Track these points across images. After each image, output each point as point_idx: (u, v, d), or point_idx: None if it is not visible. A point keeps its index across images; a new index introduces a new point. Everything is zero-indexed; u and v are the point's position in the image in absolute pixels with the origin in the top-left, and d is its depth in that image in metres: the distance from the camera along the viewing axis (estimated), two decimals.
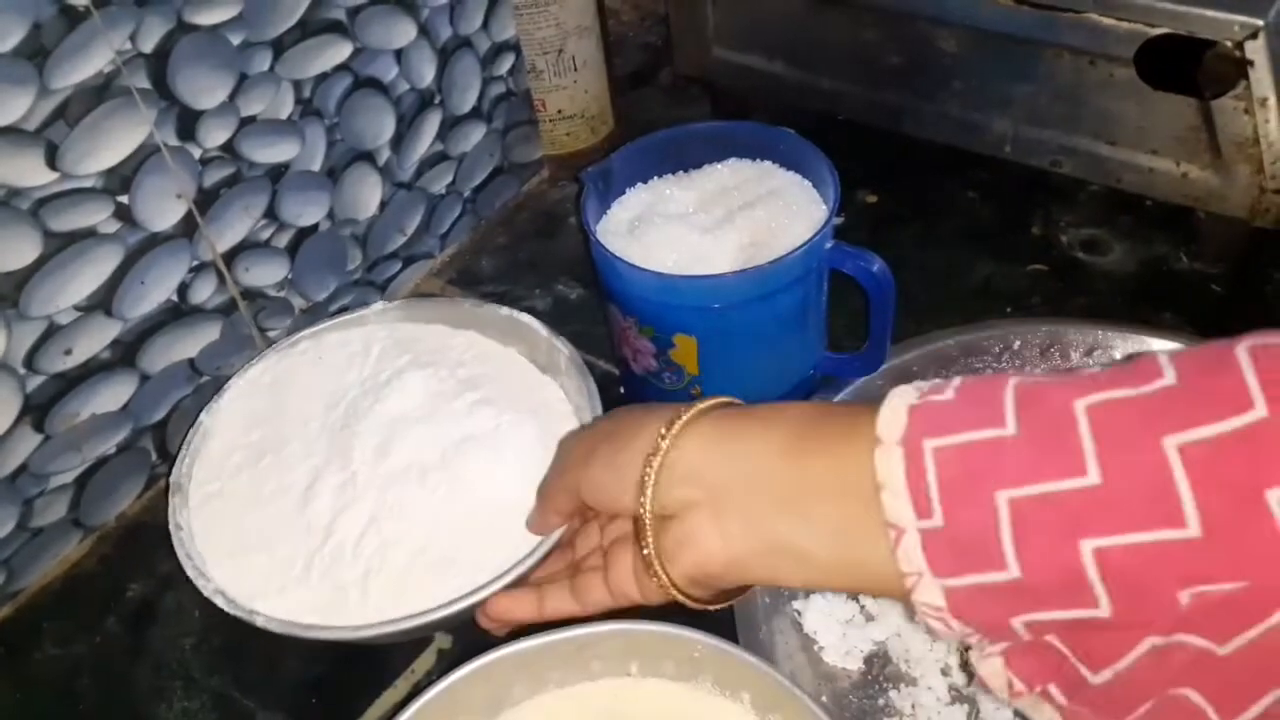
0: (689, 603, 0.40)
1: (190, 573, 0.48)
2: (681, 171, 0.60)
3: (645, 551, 0.39)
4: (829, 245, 0.53)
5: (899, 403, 0.34)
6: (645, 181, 0.59)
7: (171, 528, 0.50)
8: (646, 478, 0.39)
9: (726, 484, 0.37)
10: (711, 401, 0.40)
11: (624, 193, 0.59)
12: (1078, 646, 0.32)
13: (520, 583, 0.47)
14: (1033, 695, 0.34)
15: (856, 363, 0.58)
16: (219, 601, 0.47)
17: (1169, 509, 0.29)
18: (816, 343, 0.58)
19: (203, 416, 0.55)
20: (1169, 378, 0.30)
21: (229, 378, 0.57)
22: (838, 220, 0.54)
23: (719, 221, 0.56)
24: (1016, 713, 0.47)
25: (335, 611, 0.48)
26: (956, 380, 0.34)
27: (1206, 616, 0.29)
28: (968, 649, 0.40)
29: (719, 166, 0.60)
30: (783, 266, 0.51)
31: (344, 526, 0.50)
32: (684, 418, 0.39)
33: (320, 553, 0.50)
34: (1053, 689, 0.33)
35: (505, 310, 0.58)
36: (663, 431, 0.39)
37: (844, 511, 0.34)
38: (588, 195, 0.56)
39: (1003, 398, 0.32)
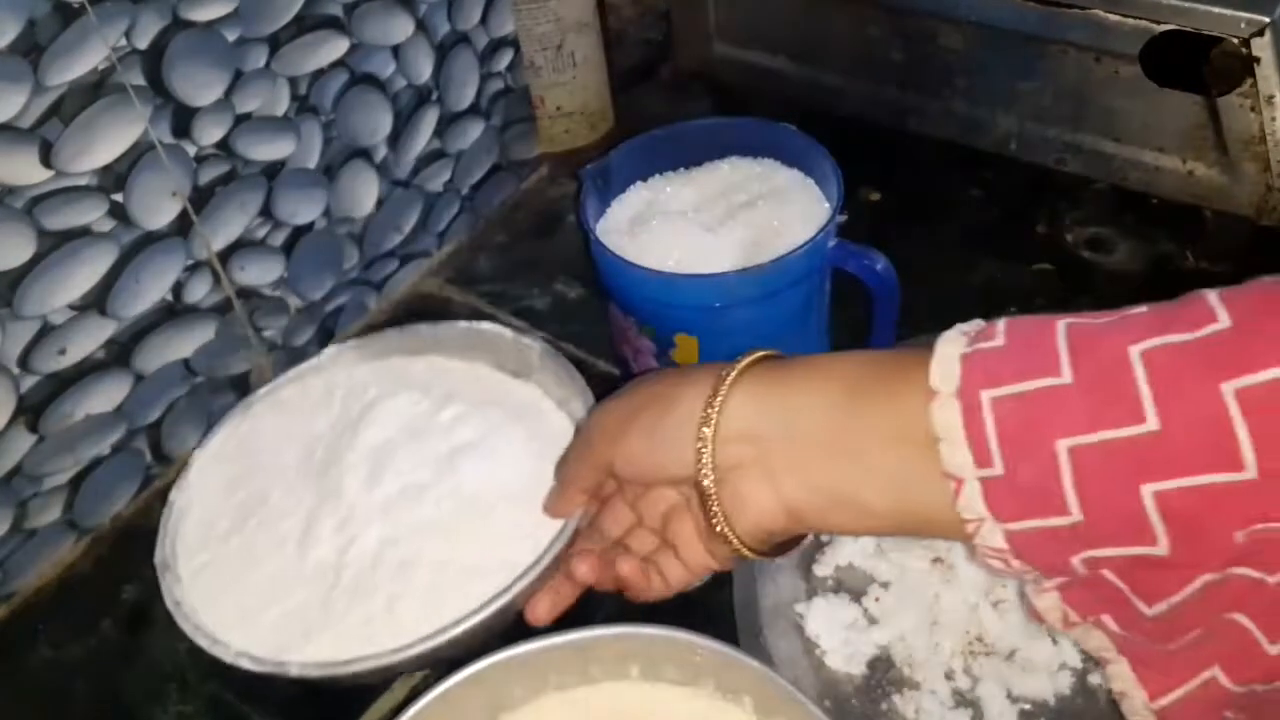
0: (753, 556, 0.41)
1: (203, 643, 0.46)
2: (682, 169, 0.60)
3: (714, 518, 0.39)
4: (832, 243, 0.53)
5: (950, 351, 0.34)
6: (645, 179, 0.59)
7: (170, 606, 0.47)
8: (703, 445, 0.38)
9: (780, 439, 0.38)
10: (751, 357, 0.40)
11: (624, 191, 0.58)
12: (1134, 582, 0.33)
13: (552, 571, 0.46)
14: (1085, 625, 0.35)
15: None
16: (245, 664, 0.45)
17: (1227, 452, 0.29)
18: (819, 342, 0.58)
19: (173, 495, 0.52)
20: (1222, 320, 0.30)
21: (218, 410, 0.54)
22: (841, 218, 0.53)
23: (720, 220, 0.55)
24: (1020, 715, 0.46)
25: (369, 643, 0.46)
26: (1002, 323, 0.34)
27: (1261, 551, 0.30)
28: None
29: (720, 164, 0.59)
30: (785, 265, 0.51)
31: (354, 560, 0.49)
32: (730, 377, 0.39)
33: (336, 591, 0.48)
34: (1106, 619, 0.34)
35: (463, 324, 0.58)
36: (709, 394, 0.38)
37: (901, 460, 0.35)
38: (587, 193, 0.55)
39: (1056, 344, 0.32)
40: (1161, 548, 0.31)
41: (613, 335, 0.59)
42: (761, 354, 0.40)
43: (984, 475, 0.33)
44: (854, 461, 0.36)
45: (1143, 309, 0.33)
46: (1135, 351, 0.31)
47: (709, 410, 0.38)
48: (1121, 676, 0.35)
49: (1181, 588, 0.32)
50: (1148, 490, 0.30)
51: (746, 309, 0.52)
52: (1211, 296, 0.31)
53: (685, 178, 0.59)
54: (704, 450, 0.38)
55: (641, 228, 0.55)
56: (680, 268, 0.53)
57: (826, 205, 0.55)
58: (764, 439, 0.38)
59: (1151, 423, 0.30)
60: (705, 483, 0.39)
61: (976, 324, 0.35)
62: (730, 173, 0.59)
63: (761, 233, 0.54)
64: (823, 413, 0.37)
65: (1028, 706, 0.47)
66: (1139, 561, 0.32)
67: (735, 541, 0.40)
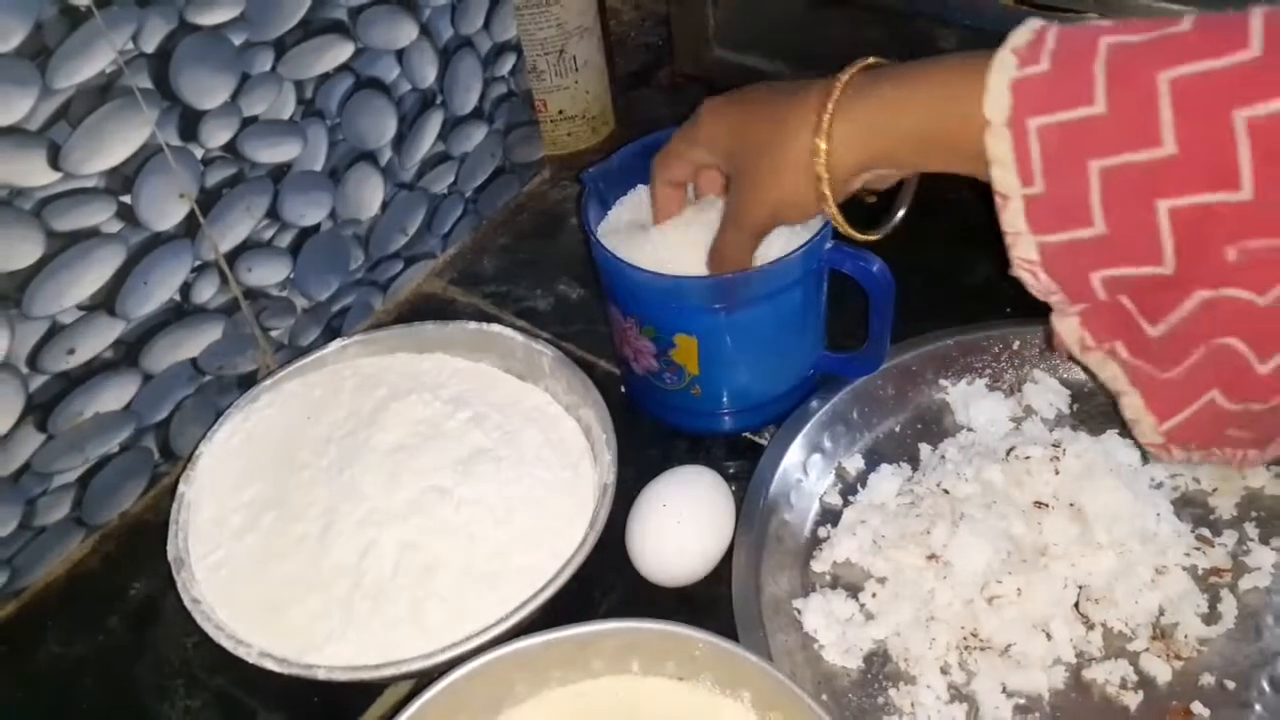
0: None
1: (226, 644, 0.46)
2: None
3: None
4: (828, 245, 0.53)
5: (1001, 81, 0.38)
6: (646, 182, 0.59)
7: (188, 603, 0.48)
8: (820, 182, 0.44)
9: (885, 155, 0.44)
10: (851, 73, 0.44)
11: (625, 193, 0.59)
12: (1142, 303, 0.38)
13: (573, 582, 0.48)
14: (1100, 352, 0.40)
15: (856, 362, 0.58)
16: (269, 665, 0.46)
17: (1229, 174, 0.34)
18: (816, 342, 0.58)
19: (182, 488, 0.53)
20: (1253, 48, 0.33)
21: (231, 389, 0.56)
22: None
23: (720, 221, 0.56)
24: (1015, 710, 0.47)
25: (394, 647, 0.47)
26: (1050, 38, 0.37)
27: (1250, 270, 0.35)
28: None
29: None
30: (783, 267, 0.51)
31: (375, 563, 0.49)
32: (829, 109, 0.43)
33: (357, 594, 0.48)
34: (1118, 346, 0.39)
35: (474, 325, 0.59)
36: (815, 137, 0.43)
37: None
38: (588, 196, 0.56)
39: (1094, 72, 0.36)
40: (1167, 266, 0.36)
41: (613, 336, 0.59)
42: (862, 65, 0.44)
43: (1027, 193, 0.37)
44: (927, 164, 0.43)
45: (1185, 27, 0.35)
46: (1164, 80, 0.34)
47: (816, 150, 0.43)
48: (1133, 406, 0.40)
49: (1180, 303, 0.36)
50: (1162, 206, 0.35)
51: (745, 310, 0.53)
52: (1255, 20, 0.34)
53: None
54: (821, 184, 0.44)
55: (642, 230, 0.56)
56: (680, 269, 0.53)
57: None
58: (869, 158, 0.44)
59: (1169, 147, 0.34)
60: (829, 208, 0.45)
61: (1028, 32, 0.38)
62: None
63: None
64: (905, 142, 0.43)
65: (1022, 701, 0.47)
66: (1148, 282, 0.37)
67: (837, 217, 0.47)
